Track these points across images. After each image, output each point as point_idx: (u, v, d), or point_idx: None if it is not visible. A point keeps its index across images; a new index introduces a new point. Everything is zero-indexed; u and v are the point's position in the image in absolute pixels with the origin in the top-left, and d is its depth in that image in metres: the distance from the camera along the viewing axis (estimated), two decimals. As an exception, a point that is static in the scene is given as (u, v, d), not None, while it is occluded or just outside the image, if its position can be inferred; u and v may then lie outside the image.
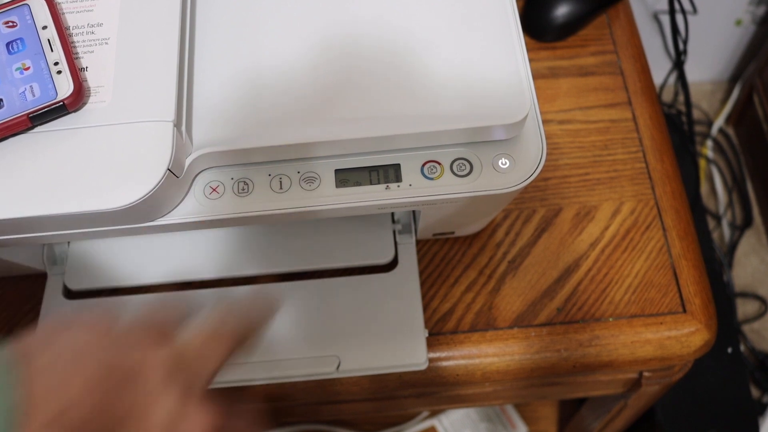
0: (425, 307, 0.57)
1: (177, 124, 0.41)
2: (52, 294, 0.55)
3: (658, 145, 0.63)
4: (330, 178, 0.44)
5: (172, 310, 0.36)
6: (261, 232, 0.57)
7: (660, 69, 1.25)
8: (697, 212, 1.13)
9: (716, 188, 1.30)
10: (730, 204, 1.29)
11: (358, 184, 0.44)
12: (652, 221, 0.60)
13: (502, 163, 0.45)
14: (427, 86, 0.43)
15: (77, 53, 0.43)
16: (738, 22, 1.23)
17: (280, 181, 0.44)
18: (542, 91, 0.66)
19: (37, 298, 0.57)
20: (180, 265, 0.56)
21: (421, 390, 0.60)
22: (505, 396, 0.66)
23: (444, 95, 0.43)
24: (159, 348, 0.32)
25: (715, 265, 1.14)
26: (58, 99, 0.40)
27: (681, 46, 0.98)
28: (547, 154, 0.57)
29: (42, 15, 0.43)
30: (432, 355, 0.55)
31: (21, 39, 0.42)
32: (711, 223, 1.28)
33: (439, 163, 0.45)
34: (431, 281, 0.58)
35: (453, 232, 0.58)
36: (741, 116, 1.32)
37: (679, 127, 1.22)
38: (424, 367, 0.53)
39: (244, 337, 0.37)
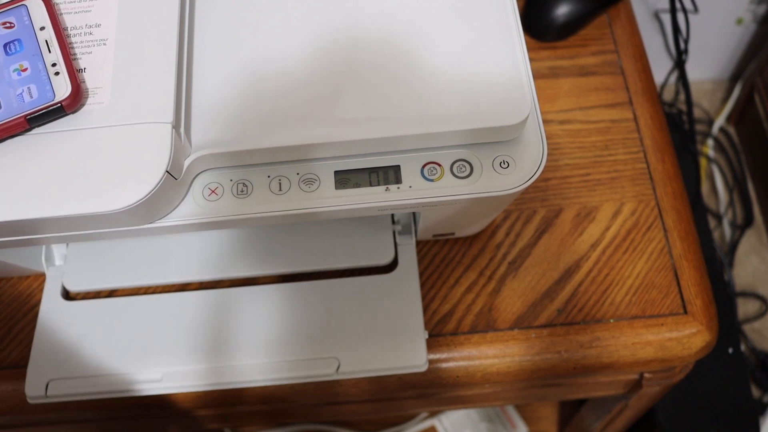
0: (425, 309, 0.56)
1: (175, 126, 0.41)
2: (50, 295, 0.55)
3: (659, 145, 0.63)
4: (329, 180, 0.44)
5: None
6: (260, 233, 0.57)
7: (661, 68, 1.25)
8: (698, 211, 1.13)
9: (717, 187, 1.30)
10: (731, 203, 1.29)
11: (357, 185, 0.44)
12: (653, 222, 0.60)
13: (502, 165, 0.44)
14: (427, 87, 0.43)
15: (75, 54, 0.43)
16: (739, 21, 1.22)
17: (280, 183, 0.44)
18: (543, 91, 0.65)
19: (36, 299, 0.57)
20: (179, 267, 0.56)
21: (421, 391, 0.60)
22: (506, 397, 0.66)
23: (444, 96, 0.43)
24: None
25: (715, 265, 1.14)
26: (56, 100, 0.40)
27: (682, 45, 0.97)
28: (548, 154, 0.56)
29: (40, 16, 0.42)
30: (432, 356, 0.55)
31: (18, 40, 0.42)
32: (712, 223, 1.27)
33: (440, 165, 0.45)
34: (431, 282, 0.58)
35: (453, 233, 0.58)
36: (742, 115, 1.32)
37: (679, 126, 1.22)
38: (424, 368, 0.53)
39: None
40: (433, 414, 1.01)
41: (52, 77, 0.41)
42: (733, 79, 1.37)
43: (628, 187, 0.61)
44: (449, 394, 0.62)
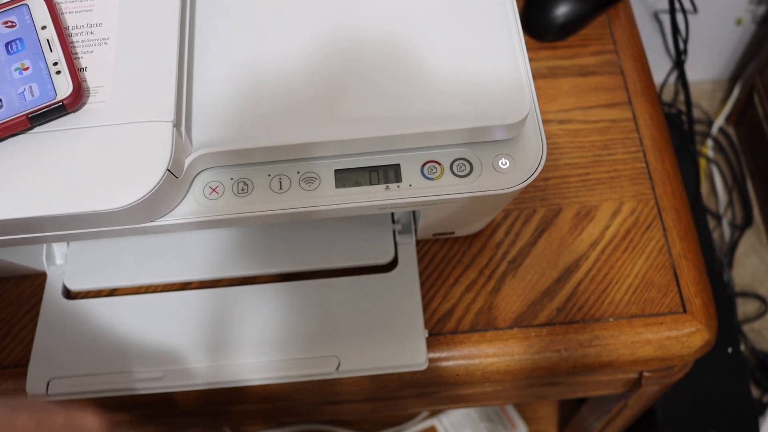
0: (425, 308, 0.56)
1: (176, 124, 0.41)
2: (51, 294, 0.55)
3: (658, 145, 0.63)
4: (330, 179, 0.44)
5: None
6: (261, 232, 0.57)
7: (660, 68, 1.25)
8: (698, 212, 1.13)
9: (716, 188, 1.30)
10: (730, 203, 1.29)
11: (357, 184, 0.44)
12: (653, 221, 0.60)
13: (502, 164, 0.45)
14: (427, 86, 0.43)
15: (76, 53, 0.43)
16: (738, 22, 1.23)
17: (280, 182, 0.44)
18: (542, 90, 0.65)
19: (37, 298, 0.57)
20: (179, 266, 0.56)
21: (421, 390, 0.60)
22: (505, 396, 0.66)
23: (444, 95, 0.43)
24: None
25: (715, 265, 1.14)
26: (58, 99, 0.40)
27: (681, 45, 0.97)
28: (547, 154, 0.57)
29: (41, 15, 0.43)
30: (432, 355, 0.55)
31: (20, 39, 0.42)
32: (711, 223, 1.27)
33: (439, 164, 0.45)
34: (431, 281, 0.58)
35: (453, 232, 0.58)
36: (741, 115, 1.32)
37: (679, 127, 1.22)
38: (424, 367, 0.53)
39: None
40: (433, 413, 1.01)
41: (54, 76, 0.41)
42: (733, 79, 1.37)
43: (628, 186, 0.61)
44: (449, 393, 0.62)
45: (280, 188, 0.44)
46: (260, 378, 0.52)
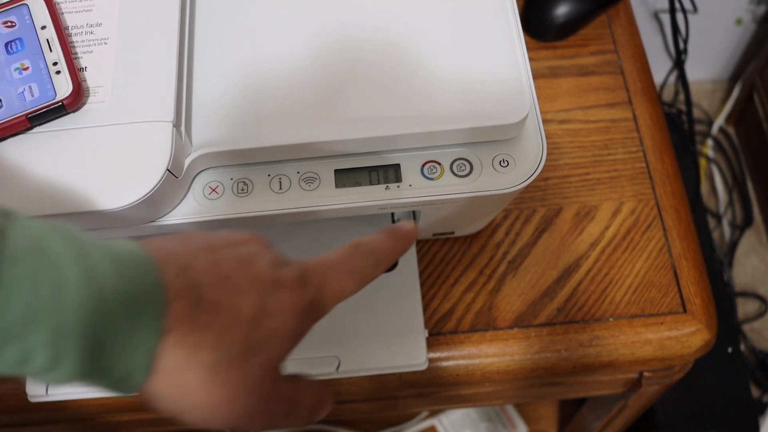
0: (425, 307, 0.56)
1: (176, 124, 0.41)
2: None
3: (658, 144, 0.63)
4: (330, 179, 0.44)
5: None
6: (260, 232, 0.57)
7: (660, 68, 1.25)
8: (698, 211, 1.13)
9: (716, 187, 1.30)
10: (730, 203, 1.29)
11: (357, 184, 0.44)
12: (653, 221, 0.60)
13: (502, 164, 0.45)
14: (427, 86, 0.43)
15: (76, 53, 0.43)
16: (738, 21, 1.23)
17: (280, 182, 0.44)
18: (542, 90, 0.65)
19: (37, 299, 0.57)
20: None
21: (421, 390, 0.60)
22: (505, 396, 0.66)
23: (444, 95, 0.43)
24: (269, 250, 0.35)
25: (715, 265, 1.14)
26: (57, 99, 0.40)
27: (681, 45, 0.97)
28: (547, 154, 0.56)
29: (41, 15, 0.43)
30: (432, 355, 0.55)
31: (20, 39, 0.42)
32: (711, 223, 1.27)
33: (439, 164, 0.45)
34: (431, 281, 0.58)
35: (453, 232, 0.58)
36: (741, 115, 1.32)
37: (679, 127, 1.22)
38: (424, 367, 0.53)
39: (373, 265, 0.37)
40: (433, 413, 1.01)
41: (54, 76, 0.41)
42: (733, 79, 1.37)
43: (628, 186, 0.61)
44: (449, 393, 0.62)
45: (280, 188, 0.44)
46: (260, 378, 0.52)
